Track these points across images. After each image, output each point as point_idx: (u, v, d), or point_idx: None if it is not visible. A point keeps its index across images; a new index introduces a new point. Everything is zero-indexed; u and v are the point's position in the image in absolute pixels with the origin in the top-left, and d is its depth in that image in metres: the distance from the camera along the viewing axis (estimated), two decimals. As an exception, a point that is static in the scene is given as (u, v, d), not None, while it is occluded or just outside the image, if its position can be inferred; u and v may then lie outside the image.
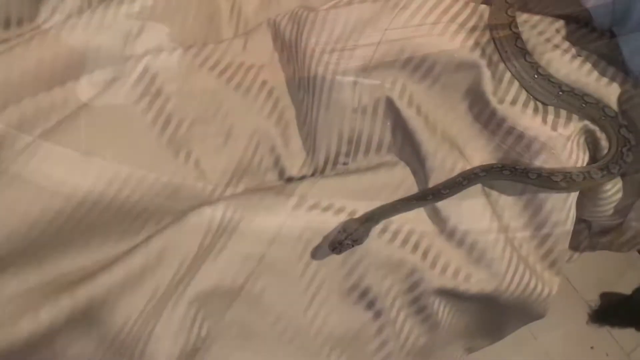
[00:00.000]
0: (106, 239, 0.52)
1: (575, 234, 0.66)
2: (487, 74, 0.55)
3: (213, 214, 0.52)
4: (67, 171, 0.48)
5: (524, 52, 0.57)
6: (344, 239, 0.51)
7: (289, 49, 0.59)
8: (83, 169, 0.49)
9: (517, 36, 0.57)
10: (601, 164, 0.55)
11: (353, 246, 0.51)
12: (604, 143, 0.56)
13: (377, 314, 0.54)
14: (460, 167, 0.56)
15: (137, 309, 0.50)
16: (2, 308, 0.48)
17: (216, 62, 0.58)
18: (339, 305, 0.54)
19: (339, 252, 0.51)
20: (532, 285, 0.57)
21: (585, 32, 0.61)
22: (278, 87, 0.59)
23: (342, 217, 0.53)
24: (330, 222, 0.53)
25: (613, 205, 0.59)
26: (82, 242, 0.51)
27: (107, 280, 0.49)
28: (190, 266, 0.51)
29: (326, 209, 0.53)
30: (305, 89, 0.57)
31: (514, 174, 0.55)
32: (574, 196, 0.56)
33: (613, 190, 0.58)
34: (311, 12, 0.57)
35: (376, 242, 0.53)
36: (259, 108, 0.57)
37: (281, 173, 0.58)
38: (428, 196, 0.55)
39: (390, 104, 0.55)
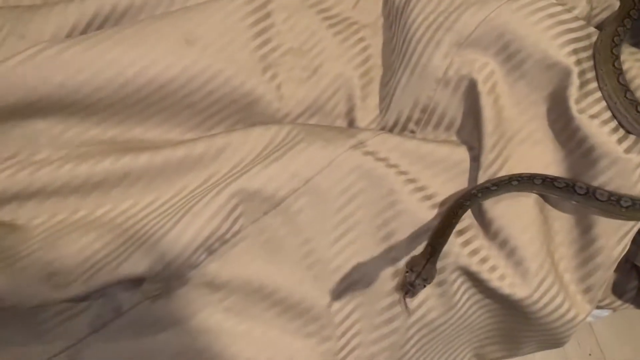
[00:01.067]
0: (181, 124, 0.57)
1: (624, 279, 0.64)
2: (576, 82, 0.55)
3: (279, 131, 0.56)
4: (167, 50, 0.54)
5: (625, 88, 0.56)
6: (414, 280, 0.52)
7: (394, 14, 0.62)
8: (181, 52, 0.54)
9: (620, 72, 0.57)
10: None
11: (425, 286, 0.52)
12: None
13: (397, 273, 0.55)
14: (508, 169, 0.56)
15: (187, 188, 0.54)
16: (76, 148, 0.54)
17: (325, 8, 0.62)
18: (365, 249, 0.55)
19: (413, 295, 0.52)
20: (559, 302, 0.56)
21: None
22: (373, 47, 0.63)
23: (392, 173, 0.55)
24: (380, 171, 0.55)
25: (669, 257, 0.57)
26: (159, 119, 0.56)
27: (168, 154, 0.54)
28: (244, 167, 0.54)
29: (380, 159, 0.55)
30: (397, 53, 0.60)
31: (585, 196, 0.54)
32: (631, 227, 0.55)
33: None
34: None
35: (417, 204, 0.55)
36: (350, 58, 0.61)
37: (350, 123, 0.61)
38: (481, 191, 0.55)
39: (472, 86, 0.57)
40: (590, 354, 1.30)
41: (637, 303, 0.65)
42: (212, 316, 0.54)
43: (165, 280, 0.51)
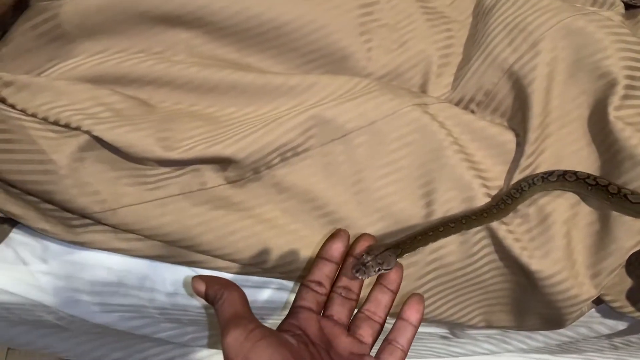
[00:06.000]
0: (285, 62, 0.68)
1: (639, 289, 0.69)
2: (620, 92, 0.63)
3: (361, 81, 0.67)
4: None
5: None
6: (368, 261, 0.56)
7: (481, 14, 0.73)
8: (297, 3, 0.67)
9: None
10: None
11: (379, 270, 0.57)
12: None
13: (428, 215, 0.65)
14: (539, 162, 0.65)
15: (279, 108, 0.66)
16: (204, 60, 0.69)
17: (426, 0, 0.74)
18: (406, 189, 0.66)
19: (363, 274, 0.56)
20: (564, 277, 0.63)
21: None
22: (457, 38, 0.73)
23: (443, 133, 0.65)
24: (434, 128, 0.65)
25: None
26: (270, 54, 0.69)
27: (270, 79, 0.65)
28: (327, 101, 0.67)
29: (436, 121, 0.66)
30: (475, 45, 0.71)
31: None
32: None
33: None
34: None
35: (459, 162, 0.65)
36: (435, 41, 0.71)
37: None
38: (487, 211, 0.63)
39: (530, 82, 0.66)
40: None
41: (649, 314, 0.69)
42: (272, 211, 0.66)
43: (244, 169, 0.65)
